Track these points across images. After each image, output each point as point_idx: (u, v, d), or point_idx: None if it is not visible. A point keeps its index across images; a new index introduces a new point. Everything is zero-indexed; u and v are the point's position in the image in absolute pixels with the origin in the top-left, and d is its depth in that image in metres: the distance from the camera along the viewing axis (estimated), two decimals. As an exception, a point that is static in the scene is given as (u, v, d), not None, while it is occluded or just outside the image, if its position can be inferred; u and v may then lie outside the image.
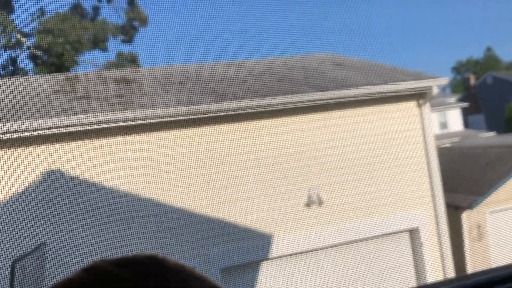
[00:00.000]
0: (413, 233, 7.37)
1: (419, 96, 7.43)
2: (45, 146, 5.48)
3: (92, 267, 0.53)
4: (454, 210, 8.27)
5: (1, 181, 4.83)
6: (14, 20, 6.97)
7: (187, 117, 6.11)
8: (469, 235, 8.28)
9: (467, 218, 8.31)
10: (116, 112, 5.86)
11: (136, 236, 5.74)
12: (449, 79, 8.51)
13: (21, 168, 5.11)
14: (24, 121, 5.22)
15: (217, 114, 6.27)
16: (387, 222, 7.08)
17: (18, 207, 5.16)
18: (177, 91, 6.87)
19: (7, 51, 7.13)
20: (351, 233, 6.82)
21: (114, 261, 0.54)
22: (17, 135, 5.21)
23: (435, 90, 7.52)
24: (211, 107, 6.23)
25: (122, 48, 8.84)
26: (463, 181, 9.08)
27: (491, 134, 14.49)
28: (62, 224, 5.47)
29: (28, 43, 7.87)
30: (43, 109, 5.70)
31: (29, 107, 5.61)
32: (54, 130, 5.42)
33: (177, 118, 6.06)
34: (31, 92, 5.90)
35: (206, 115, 6.24)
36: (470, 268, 8.23)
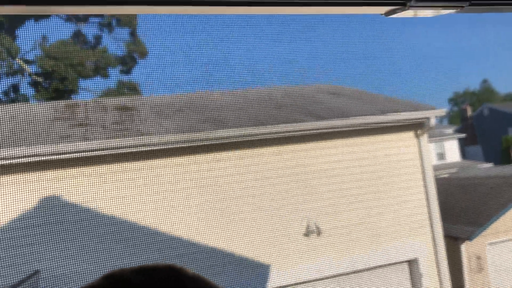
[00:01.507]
0: (412, 264, 7.28)
1: (417, 126, 7.47)
2: (43, 173, 5.46)
3: (112, 274, 0.54)
4: (453, 241, 8.20)
5: (-3, 207, 4.79)
6: (18, 46, 7.05)
7: (185, 145, 6.11)
8: (468, 267, 8.19)
9: (466, 249, 8.24)
10: (115, 139, 5.87)
11: (133, 264, 5.66)
12: (446, 110, 8.59)
13: (17, 194, 5.07)
14: (23, 147, 5.22)
15: (215, 142, 6.28)
16: (385, 253, 7.01)
17: (13, 233, 5.10)
18: (176, 118, 6.89)
19: (9, 78, 7.18)
20: (349, 263, 6.74)
21: (134, 269, 0.55)
22: (15, 161, 5.20)
23: (433, 121, 7.57)
24: (210, 135, 6.24)
25: (121, 77, 8.92)
26: (462, 212, 9.04)
27: (489, 165, 14.52)
28: (57, 252, 5.39)
29: (30, 70, 7.93)
30: (42, 136, 5.71)
31: (28, 133, 5.61)
32: (52, 156, 5.41)
33: (176, 146, 6.06)
34: (31, 118, 5.91)
35: (205, 143, 6.24)
36: (470, 301, 8.10)
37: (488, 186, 9.46)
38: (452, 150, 14.92)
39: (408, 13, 0.73)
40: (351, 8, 0.71)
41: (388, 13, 0.73)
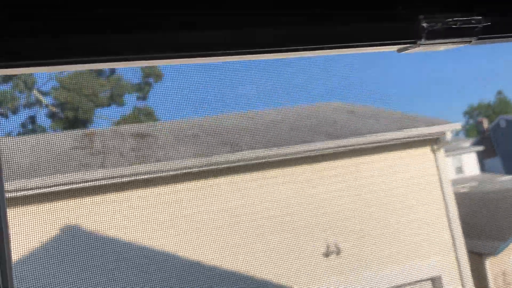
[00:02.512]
0: (436, 282, 7.15)
1: (433, 141, 7.43)
2: (62, 202, 5.53)
3: None
4: (478, 257, 8.04)
5: (19, 237, 4.85)
6: (34, 77, 7.23)
7: (202, 169, 6.16)
8: (494, 283, 8.00)
9: (491, 265, 8.06)
10: (133, 166, 5.94)
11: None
12: (462, 123, 8.57)
13: (38, 224, 5.14)
14: (42, 177, 5.30)
15: (232, 165, 6.31)
16: (408, 271, 6.90)
17: (34, 265, 5.15)
18: (192, 143, 6.96)
19: (27, 110, 7.34)
20: (371, 283, 6.65)
21: None
22: (34, 192, 5.28)
23: (449, 135, 7.52)
24: (226, 158, 6.28)
25: (137, 104, 9.05)
26: (484, 227, 8.88)
27: (509, 177, 14.27)
28: (80, 281, 5.42)
29: (46, 101, 8.11)
30: (60, 166, 5.80)
31: (46, 163, 5.71)
32: (71, 185, 5.49)
33: (193, 170, 6.11)
34: (49, 149, 6.02)
35: (222, 166, 6.28)
36: (498, 318, 7.89)
37: (510, 199, 9.29)
38: (470, 164, 14.73)
39: (419, 49, 0.76)
40: (366, 48, 0.74)
41: (400, 50, 0.77)
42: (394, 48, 0.77)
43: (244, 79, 6.00)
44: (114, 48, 0.66)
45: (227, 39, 0.68)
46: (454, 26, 0.74)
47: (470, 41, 0.78)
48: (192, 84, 5.53)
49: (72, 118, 7.89)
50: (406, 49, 0.76)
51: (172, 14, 0.71)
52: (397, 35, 0.73)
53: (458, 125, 8.00)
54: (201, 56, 0.71)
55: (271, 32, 0.69)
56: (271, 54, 0.70)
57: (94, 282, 5.50)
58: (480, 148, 16.56)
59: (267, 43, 0.69)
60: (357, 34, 0.72)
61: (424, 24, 0.73)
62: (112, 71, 8.38)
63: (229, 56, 0.70)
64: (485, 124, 20.29)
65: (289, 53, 0.72)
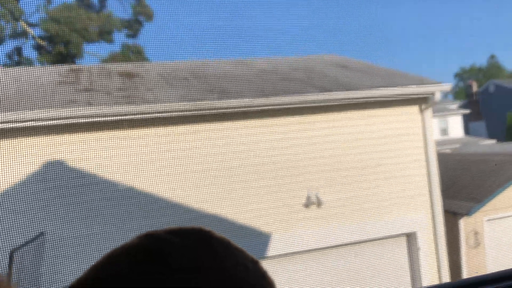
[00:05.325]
0: (410, 238, 7.39)
1: (421, 101, 7.44)
2: (47, 137, 5.49)
3: (150, 234, 0.56)
4: (452, 216, 8.29)
5: (2, 170, 4.84)
6: (21, 8, 6.97)
7: (189, 113, 6.12)
8: (466, 242, 8.30)
9: (464, 224, 8.33)
10: (119, 105, 5.87)
11: (137, 229, 5.76)
12: (452, 85, 8.53)
13: (22, 158, 5.12)
14: (27, 111, 5.24)
15: (219, 111, 6.28)
16: (384, 225, 7.10)
17: (18, 196, 5.18)
18: (181, 87, 6.88)
19: (13, 40, 7.13)
20: (348, 235, 6.84)
21: (167, 230, 0.57)
22: (19, 125, 5.22)
23: (438, 96, 7.53)
24: (214, 104, 6.24)
25: (127, 41, 8.84)
26: (462, 188, 9.09)
27: (492, 141, 14.50)
28: (62, 215, 5.48)
29: (34, 33, 7.87)
30: (46, 100, 5.72)
31: (33, 97, 5.62)
32: (56, 121, 5.43)
33: (179, 114, 6.07)
34: (35, 82, 5.91)
35: (209, 112, 6.25)
36: (466, 275, 8.25)
37: (491, 163, 9.48)
38: (455, 126, 14.90)
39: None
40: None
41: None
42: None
43: (237, 24, 5.86)
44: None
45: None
46: None
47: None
48: (182, 26, 5.40)
49: (59, 52, 7.70)
50: None
51: None
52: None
53: (448, 86, 7.97)
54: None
55: None
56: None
57: (77, 217, 5.57)
58: (467, 111, 16.71)
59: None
60: None
61: None
62: (103, 5, 8.13)
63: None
64: (474, 87, 20.34)
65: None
